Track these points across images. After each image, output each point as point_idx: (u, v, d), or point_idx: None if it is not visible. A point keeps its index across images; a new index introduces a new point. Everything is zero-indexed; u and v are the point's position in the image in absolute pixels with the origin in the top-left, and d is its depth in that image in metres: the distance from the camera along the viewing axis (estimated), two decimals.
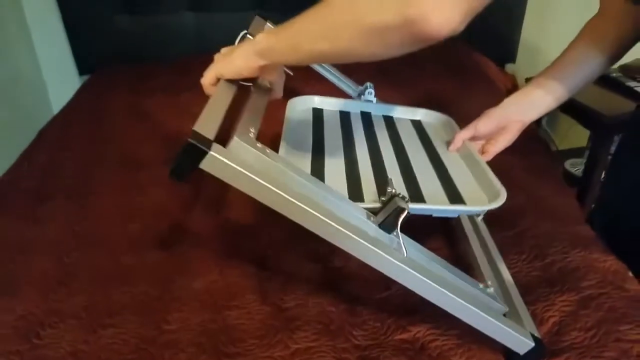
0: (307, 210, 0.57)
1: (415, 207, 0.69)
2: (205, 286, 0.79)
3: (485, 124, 0.87)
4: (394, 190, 0.66)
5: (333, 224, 0.57)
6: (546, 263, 0.82)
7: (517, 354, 0.67)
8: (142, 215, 0.94)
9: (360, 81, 1.13)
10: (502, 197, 0.74)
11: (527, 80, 1.56)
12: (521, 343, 0.65)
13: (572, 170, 1.51)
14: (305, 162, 0.80)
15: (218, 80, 0.68)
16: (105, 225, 0.92)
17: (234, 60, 0.66)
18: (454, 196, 0.77)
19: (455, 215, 0.80)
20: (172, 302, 0.76)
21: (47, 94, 1.61)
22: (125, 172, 1.06)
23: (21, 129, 1.31)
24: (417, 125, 1.02)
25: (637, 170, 0.90)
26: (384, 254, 0.59)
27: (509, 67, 1.64)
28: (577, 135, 1.65)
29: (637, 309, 0.74)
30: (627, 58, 0.88)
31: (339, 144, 0.88)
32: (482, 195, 0.78)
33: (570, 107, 1.44)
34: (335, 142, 0.89)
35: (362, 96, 1.07)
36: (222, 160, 0.53)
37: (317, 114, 0.99)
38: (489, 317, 0.63)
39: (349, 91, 1.10)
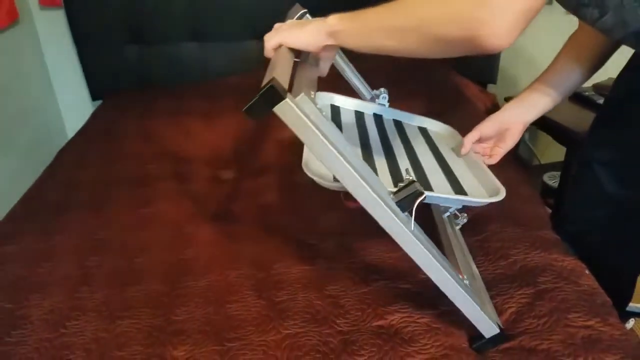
0: (349, 169, 0.63)
1: (431, 194, 0.75)
2: (208, 284, 0.90)
3: (488, 126, 0.94)
4: (411, 177, 0.72)
5: (365, 185, 0.64)
6: (509, 262, 0.92)
7: (479, 339, 0.77)
8: (152, 224, 1.06)
9: None
10: (502, 193, 0.82)
11: (507, 99, 1.67)
12: (490, 328, 0.76)
13: (550, 182, 1.61)
14: None
15: (278, 46, 0.73)
16: (120, 233, 1.04)
17: (304, 34, 0.71)
18: (459, 190, 0.85)
19: (460, 206, 0.85)
20: (179, 298, 0.87)
21: (61, 118, 1.74)
22: (135, 187, 1.18)
23: (39, 151, 1.43)
24: (424, 131, 1.10)
25: (588, 181, 1.01)
26: (398, 222, 0.67)
27: (491, 88, 1.77)
28: (557, 150, 1.76)
29: (586, 300, 0.84)
30: (600, 77, 0.98)
31: (356, 139, 0.95)
32: (484, 192, 0.86)
33: (547, 125, 1.54)
34: (353, 137, 0.96)
35: (377, 100, 1.13)
36: (294, 109, 0.58)
37: (335, 110, 1.07)
38: (472, 300, 0.73)
39: (365, 93, 1.14)
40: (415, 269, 0.90)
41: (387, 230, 0.68)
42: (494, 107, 1.61)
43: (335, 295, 0.87)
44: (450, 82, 1.55)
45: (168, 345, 0.78)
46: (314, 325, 0.80)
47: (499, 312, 0.82)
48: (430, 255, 0.69)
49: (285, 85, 0.58)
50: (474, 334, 0.78)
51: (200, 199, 1.15)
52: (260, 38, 1.59)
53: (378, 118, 1.09)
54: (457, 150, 1.00)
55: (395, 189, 0.71)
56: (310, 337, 0.78)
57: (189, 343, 0.78)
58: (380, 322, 0.81)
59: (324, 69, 0.82)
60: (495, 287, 0.87)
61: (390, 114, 1.12)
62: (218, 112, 1.43)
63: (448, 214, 0.97)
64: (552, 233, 1.03)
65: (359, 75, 1.13)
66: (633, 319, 1.49)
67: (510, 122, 0.93)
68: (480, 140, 0.97)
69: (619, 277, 1.10)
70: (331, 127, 0.64)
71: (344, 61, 1.08)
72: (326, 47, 0.72)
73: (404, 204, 0.69)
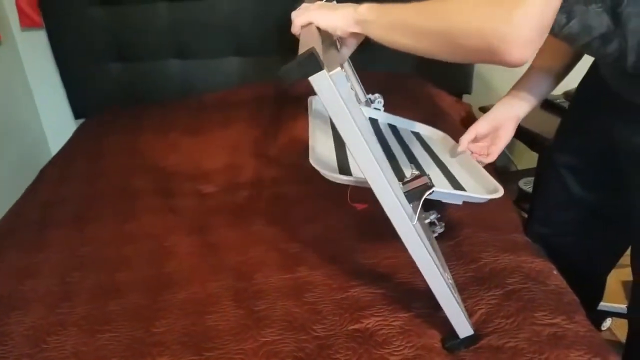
0: (367, 149, 0.64)
1: (437, 189, 0.76)
2: (188, 297, 0.92)
3: (482, 125, 0.97)
4: (418, 172, 0.74)
5: (379, 169, 0.66)
6: (479, 265, 0.95)
7: (452, 338, 0.80)
8: (133, 239, 1.08)
9: None
10: (500, 191, 0.84)
11: (481, 108, 1.72)
12: (465, 328, 0.79)
13: (525, 188, 1.65)
14: (331, 149, 0.89)
15: (307, 24, 0.76)
16: (102, 249, 1.05)
17: (334, 17, 0.73)
18: (458, 188, 0.86)
19: (460, 202, 0.85)
20: (159, 310, 0.89)
21: (45, 137, 1.75)
22: (119, 202, 1.20)
23: (23, 169, 1.45)
24: (417, 135, 1.12)
25: (555, 185, 1.05)
26: (403, 211, 0.68)
27: (466, 98, 1.82)
28: (534, 156, 1.81)
29: (553, 299, 0.88)
30: (570, 85, 1.03)
31: None
32: (482, 190, 0.88)
33: (520, 132, 1.58)
34: None
35: (372, 104, 1.14)
36: (329, 81, 0.59)
37: None
38: (455, 299, 0.75)
39: (361, 96, 1.15)
40: (390, 274, 0.95)
41: (391, 218, 0.69)
42: (469, 117, 1.66)
43: (313, 302, 0.90)
44: (425, 93, 1.59)
45: (147, 357, 0.79)
46: (291, 332, 0.83)
47: (470, 314, 0.85)
48: (426, 250, 0.71)
49: (322, 57, 0.60)
50: (446, 334, 0.81)
51: (182, 213, 1.17)
52: (241, 55, 1.65)
53: (373, 122, 1.11)
54: (451, 152, 1.02)
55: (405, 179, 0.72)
56: (287, 344, 0.80)
57: (168, 354, 0.80)
58: (356, 326, 0.84)
59: (345, 55, 0.84)
60: (466, 290, 0.90)
61: (385, 119, 1.14)
62: (201, 127, 1.46)
63: (428, 220, 1.00)
64: (522, 236, 1.07)
65: (358, 78, 1.15)
66: (610, 318, 1.53)
67: (503, 118, 0.96)
68: (475, 140, 0.99)
69: (588, 277, 1.14)
70: (358, 108, 0.65)
71: (347, 61, 1.09)
72: (352, 34, 0.73)
73: (412, 195, 0.70)
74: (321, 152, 0.87)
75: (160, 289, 0.94)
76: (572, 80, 1.00)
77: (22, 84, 1.67)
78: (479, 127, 0.97)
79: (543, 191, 1.13)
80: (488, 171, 0.94)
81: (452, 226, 1.07)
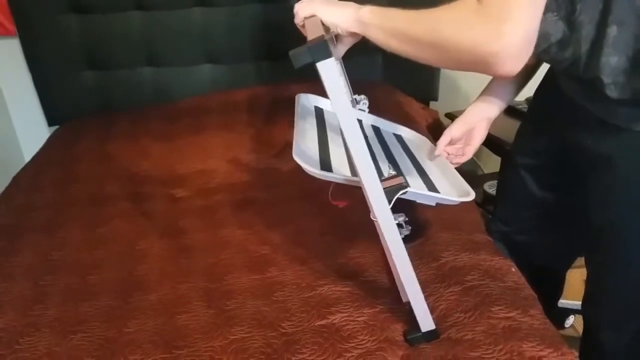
0: (358, 134, 0.68)
1: (408, 190, 0.79)
2: (159, 298, 0.94)
3: (457, 128, 1.02)
4: (395, 172, 0.77)
5: (364, 155, 0.69)
6: (440, 264, 1.00)
7: (415, 332, 0.84)
8: (105, 243, 1.09)
9: None
10: (472, 195, 0.88)
11: (447, 114, 1.78)
12: (428, 323, 0.83)
13: (489, 190, 1.72)
14: (314, 146, 0.93)
15: (310, 16, 0.79)
16: (74, 253, 1.07)
17: (337, 14, 0.76)
18: (433, 190, 0.90)
19: (433, 203, 0.88)
20: (130, 311, 0.91)
21: (19, 145, 1.75)
22: (90, 208, 1.22)
23: None
24: (399, 138, 1.16)
25: (515, 185, 1.10)
26: (384, 197, 0.72)
27: (433, 104, 1.88)
28: (498, 161, 1.87)
29: (509, 295, 0.92)
30: (532, 92, 1.08)
31: (339, 138, 1.00)
32: (454, 193, 0.92)
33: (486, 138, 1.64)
34: (336, 136, 1.01)
35: (357, 105, 1.17)
36: (334, 69, 0.62)
37: (319, 112, 1.12)
38: (421, 293, 0.79)
39: (348, 96, 1.15)
40: (357, 272, 0.99)
41: (377, 212, 0.72)
42: (436, 123, 1.72)
43: (282, 300, 0.93)
44: (394, 100, 1.65)
45: (119, 356, 0.81)
46: (259, 329, 0.86)
47: (431, 310, 0.89)
48: (404, 248, 0.76)
49: None
50: (408, 328, 0.85)
51: (154, 217, 1.19)
52: (214, 62, 1.68)
53: (358, 122, 1.15)
54: (429, 155, 1.07)
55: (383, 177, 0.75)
56: (255, 341, 0.83)
57: (140, 352, 0.82)
58: (323, 322, 0.87)
59: (340, 51, 0.86)
60: (427, 288, 0.94)
61: (369, 120, 1.17)
62: (173, 133, 1.48)
63: (397, 222, 1.03)
64: (484, 236, 1.11)
65: (347, 78, 1.16)
66: (573, 315, 1.59)
67: (475, 120, 1.02)
68: (451, 142, 1.04)
69: (547, 273, 1.20)
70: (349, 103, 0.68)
71: (341, 64, 1.11)
72: (351, 33, 0.76)
73: (387, 192, 0.73)
74: (305, 149, 0.90)
75: (131, 291, 0.96)
76: (533, 87, 1.06)
77: None
78: (454, 130, 1.03)
79: (504, 191, 1.18)
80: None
81: (417, 227, 1.12)
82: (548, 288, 1.26)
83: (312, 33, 0.67)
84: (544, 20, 0.73)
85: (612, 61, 0.74)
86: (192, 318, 0.89)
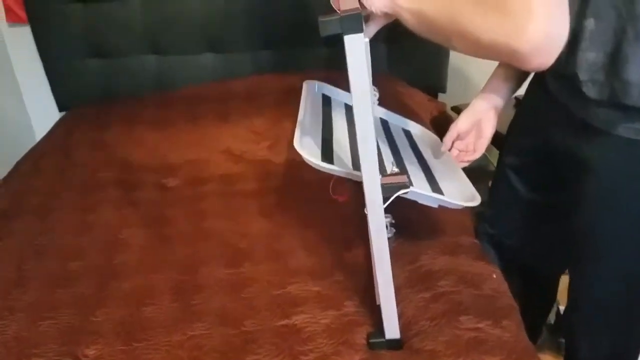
0: (369, 120, 0.64)
1: (411, 189, 0.76)
2: (131, 288, 0.96)
3: (463, 121, 0.97)
4: (398, 170, 0.74)
5: (374, 140, 0.66)
6: (415, 267, 0.97)
7: (377, 337, 0.82)
8: (91, 230, 1.12)
9: None
10: (477, 199, 0.86)
11: (453, 108, 1.72)
12: (394, 330, 0.81)
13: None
14: (317, 136, 0.91)
15: None
16: (59, 238, 1.09)
17: None
18: (437, 191, 0.88)
19: (436, 205, 0.86)
20: (102, 300, 0.93)
21: (32, 129, 1.81)
22: (82, 194, 1.24)
23: (11, 160, 1.50)
24: (407, 133, 1.13)
25: (504, 185, 1.05)
26: (380, 191, 0.69)
27: (441, 97, 1.82)
28: None
29: (482, 304, 0.89)
30: None
31: (345, 129, 0.99)
32: (458, 195, 0.90)
33: None
34: (342, 127, 1.00)
35: None
36: (362, 45, 0.59)
37: (326, 99, 1.10)
38: (394, 298, 0.77)
39: None
40: (329, 272, 0.97)
41: (369, 205, 0.70)
42: (442, 116, 1.66)
43: (250, 297, 0.93)
44: (395, 91, 1.60)
45: (81, 344, 0.83)
46: (221, 326, 0.86)
47: (399, 315, 0.87)
48: (388, 249, 0.73)
49: None
50: (374, 330, 0.83)
51: (141, 206, 1.20)
52: (215, 51, 1.68)
53: None
54: (437, 153, 1.03)
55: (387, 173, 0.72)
56: (214, 338, 0.83)
57: (101, 343, 0.83)
58: (284, 322, 0.86)
59: (370, 32, 0.83)
60: (399, 293, 0.91)
61: (378, 113, 1.14)
62: (169, 122, 1.49)
63: None
64: (469, 239, 1.07)
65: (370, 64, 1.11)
66: None
67: (482, 110, 0.97)
68: (459, 138, 1.00)
69: (538, 279, 1.15)
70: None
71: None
72: (384, 14, 0.74)
73: (387, 189, 0.70)
74: (307, 139, 0.87)
75: (107, 279, 0.98)
76: None
77: (9, 78, 1.73)
78: (460, 123, 0.98)
79: (492, 191, 1.14)
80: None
81: (400, 226, 1.08)
82: (539, 293, 1.21)
83: (346, 3, 0.63)
84: None
85: (590, 57, 0.69)
86: (157, 310, 0.90)
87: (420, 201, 0.83)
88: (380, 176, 0.70)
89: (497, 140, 1.53)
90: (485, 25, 0.59)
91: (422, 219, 1.12)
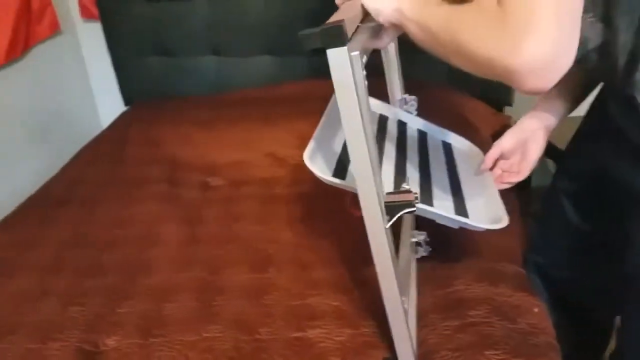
0: (364, 142, 0.61)
1: (423, 208, 0.74)
2: (157, 283, 0.97)
3: (507, 139, 0.91)
4: (408, 187, 0.70)
5: (370, 166, 0.63)
6: (447, 292, 0.90)
7: None
8: (129, 224, 1.15)
9: None
10: (504, 222, 0.80)
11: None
12: (408, 354, 0.76)
13: None
14: (337, 148, 0.87)
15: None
16: (98, 230, 1.14)
17: (379, 3, 0.69)
18: (461, 211, 0.83)
19: (456, 226, 0.81)
20: (129, 292, 0.95)
21: (99, 121, 1.92)
22: (129, 188, 1.29)
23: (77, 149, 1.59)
24: (447, 147, 1.06)
25: (554, 210, 0.96)
26: (380, 215, 0.65)
27: (508, 110, 1.71)
28: None
29: (515, 339, 0.81)
30: None
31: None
32: (484, 217, 0.84)
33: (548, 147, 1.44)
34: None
35: (405, 106, 1.09)
36: (347, 60, 0.55)
37: None
38: (405, 324, 0.73)
39: (395, 92, 1.10)
40: (352, 288, 0.94)
41: (366, 219, 0.66)
42: (505, 130, 1.55)
43: (269, 305, 0.91)
44: (455, 103, 1.52)
45: (103, 334, 0.86)
46: (235, 331, 0.85)
47: (420, 342, 0.81)
48: (391, 263, 0.69)
49: (350, 35, 0.56)
50: (389, 356, 0.78)
51: (182, 203, 1.23)
52: (272, 54, 1.68)
53: (402, 125, 1.07)
54: (476, 170, 0.97)
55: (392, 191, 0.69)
56: (226, 342, 0.83)
57: (120, 334, 0.85)
58: (299, 334, 0.84)
59: (384, 41, 0.79)
60: (425, 317, 0.86)
61: (416, 124, 1.09)
62: (220, 122, 1.51)
63: (414, 239, 0.96)
64: (514, 266, 0.99)
65: (399, 72, 1.07)
66: None
67: (530, 129, 0.89)
68: (504, 157, 0.94)
69: (588, 318, 1.04)
70: (367, 99, 0.61)
71: (395, 51, 1.02)
72: (393, 24, 0.70)
73: (390, 207, 0.66)
74: (322, 151, 0.84)
75: (136, 273, 1.00)
76: None
77: (81, 71, 1.85)
78: (504, 141, 0.92)
79: (542, 216, 1.04)
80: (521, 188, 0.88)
81: (438, 247, 1.02)
82: (590, 335, 1.09)
83: (336, 15, 0.60)
84: (582, 21, 0.61)
85: None
86: (177, 308, 0.91)
87: (438, 221, 0.78)
88: (384, 194, 0.65)
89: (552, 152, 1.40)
90: (481, 41, 0.54)
91: (462, 239, 1.05)
